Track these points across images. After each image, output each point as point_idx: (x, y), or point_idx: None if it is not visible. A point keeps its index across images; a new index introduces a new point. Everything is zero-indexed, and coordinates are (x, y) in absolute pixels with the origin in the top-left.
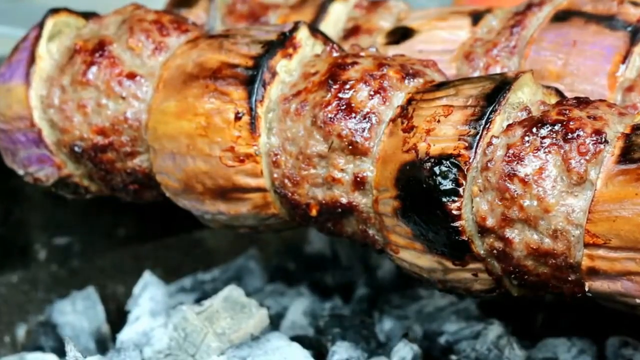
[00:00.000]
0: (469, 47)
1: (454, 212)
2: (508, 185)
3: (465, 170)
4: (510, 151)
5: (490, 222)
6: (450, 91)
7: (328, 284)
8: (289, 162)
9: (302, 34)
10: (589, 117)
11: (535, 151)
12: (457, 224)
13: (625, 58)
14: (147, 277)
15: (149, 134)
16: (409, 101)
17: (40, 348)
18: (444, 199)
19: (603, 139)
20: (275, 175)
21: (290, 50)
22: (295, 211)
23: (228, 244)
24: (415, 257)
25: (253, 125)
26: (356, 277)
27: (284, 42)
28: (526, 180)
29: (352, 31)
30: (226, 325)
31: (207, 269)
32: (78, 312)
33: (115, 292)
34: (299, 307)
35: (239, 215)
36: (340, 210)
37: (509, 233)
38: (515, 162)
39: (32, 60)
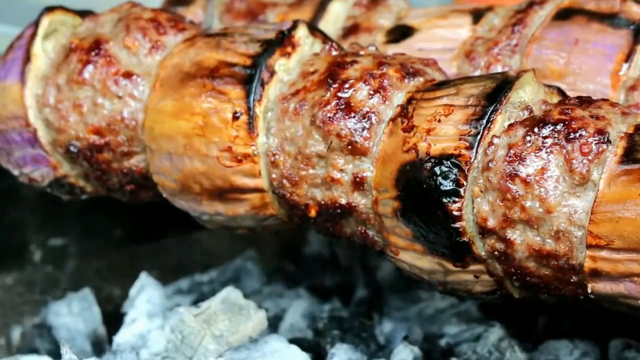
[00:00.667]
0: (469, 46)
1: (455, 212)
2: (509, 185)
3: (466, 170)
4: (512, 151)
5: (491, 223)
6: (451, 90)
7: (327, 286)
8: (287, 162)
9: (301, 33)
10: (591, 116)
11: (537, 151)
12: (457, 224)
13: (628, 57)
14: (144, 278)
15: (146, 133)
16: (409, 100)
17: (35, 350)
18: (445, 200)
19: (606, 139)
20: (274, 176)
21: (289, 49)
22: (294, 212)
23: (226, 245)
24: (416, 259)
25: (251, 125)
26: (355, 278)
27: (282, 40)
28: (528, 180)
29: (352, 30)
30: (224, 328)
31: (205, 271)
32: (74, 314)
33: (111, 293)
34: (297, 309)
35: (237, 216)
36: (339, 211)
37: (511, 234)
38: (517, 162)
39: (27, 58)
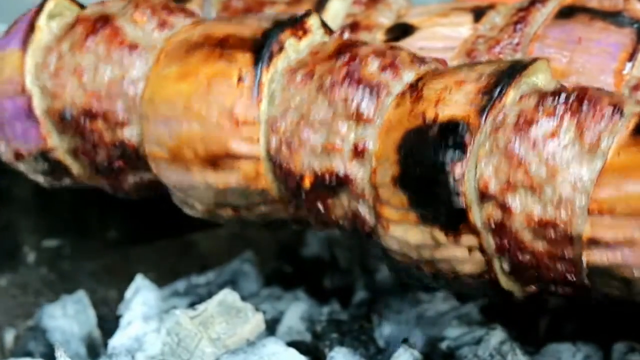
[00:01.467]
0: (470, 44)
1: (457, 173)
2: (516, 147)
3: (473, 132)
4: (523, 116)
5: (492, 187)
6: (464, 69)
7: (326, 288)
8: (288, 129)
9: (314, 21)
10: (606, 94)
11: (548, 116)
12: (458, 186)
13: (632, 56)
14: (140, 280)
15: (145, 101)
16: (420, 78)
17: (29, 353)
18: (448, 160)
19: (619, 111)
20: (273, 142)
21: (300, 33)
22: (287, 183)
23: (223, 247)
24: (406, 232)
25: (256, 90)
26: (355, 280)
27: (294, 22)
28: (536, 144)
29: (351, 28)
30: (221, 330)
31: (201, 273)
32: (68, 317)
33: (106, 296)
34: (295, 312)
35: (227, 189)
36: (335, 183)
37: (511, 200)
38: (527, 126)
39: (30, 29)
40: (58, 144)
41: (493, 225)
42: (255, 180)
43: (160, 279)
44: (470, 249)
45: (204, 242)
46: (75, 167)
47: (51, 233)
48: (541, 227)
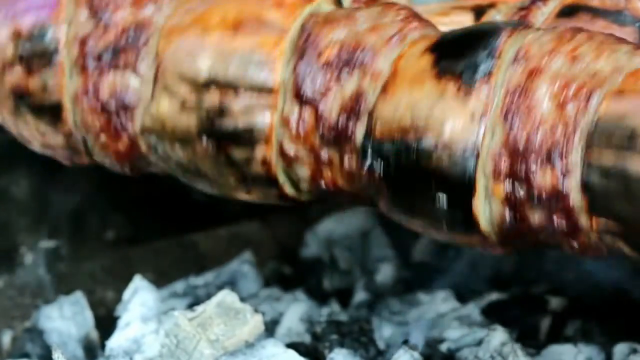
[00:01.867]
0: None
1: (501, 40)
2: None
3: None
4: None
5: (533, 52)
6: None
7: (325, 289)
8: (335, 12)
9: None
10: None
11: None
12: (498, 45)
13: None
14: (138, 281)
15: None
16: None
17: (26, 355)
18: (488, 34)
19: None
20: (312, 18)
21: None
22: (305, 54)
23: (222, 248)
24: (411, 92)
25: None
26: (354, 281)
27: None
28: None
29: None
30: (220, 332)
31: (200, 273)
32: (66, 318)
33: (104, 297)
34: (295, 313)
35: (234, 55)
36: (357, 59)
37: (546, 62)
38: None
39: None
40: (65, 19)
41: (512, 90)
42: (273, 46)
43: (159, 280)
44: (473, 114)
45: (202, 243)
46: (66, 59)
47: (48, 234)
48: (562, 93)
